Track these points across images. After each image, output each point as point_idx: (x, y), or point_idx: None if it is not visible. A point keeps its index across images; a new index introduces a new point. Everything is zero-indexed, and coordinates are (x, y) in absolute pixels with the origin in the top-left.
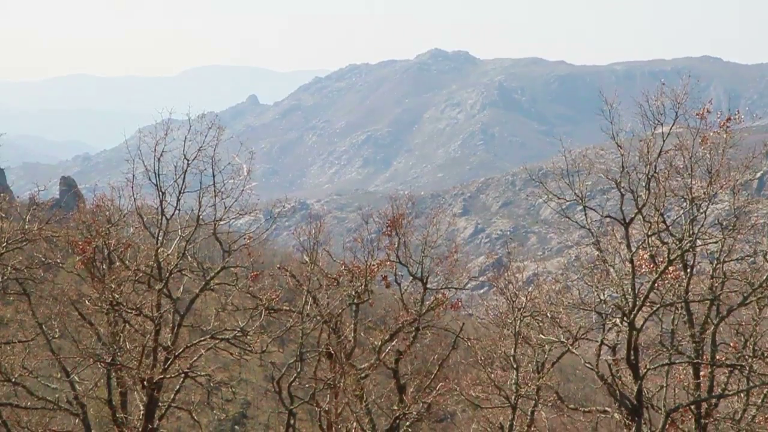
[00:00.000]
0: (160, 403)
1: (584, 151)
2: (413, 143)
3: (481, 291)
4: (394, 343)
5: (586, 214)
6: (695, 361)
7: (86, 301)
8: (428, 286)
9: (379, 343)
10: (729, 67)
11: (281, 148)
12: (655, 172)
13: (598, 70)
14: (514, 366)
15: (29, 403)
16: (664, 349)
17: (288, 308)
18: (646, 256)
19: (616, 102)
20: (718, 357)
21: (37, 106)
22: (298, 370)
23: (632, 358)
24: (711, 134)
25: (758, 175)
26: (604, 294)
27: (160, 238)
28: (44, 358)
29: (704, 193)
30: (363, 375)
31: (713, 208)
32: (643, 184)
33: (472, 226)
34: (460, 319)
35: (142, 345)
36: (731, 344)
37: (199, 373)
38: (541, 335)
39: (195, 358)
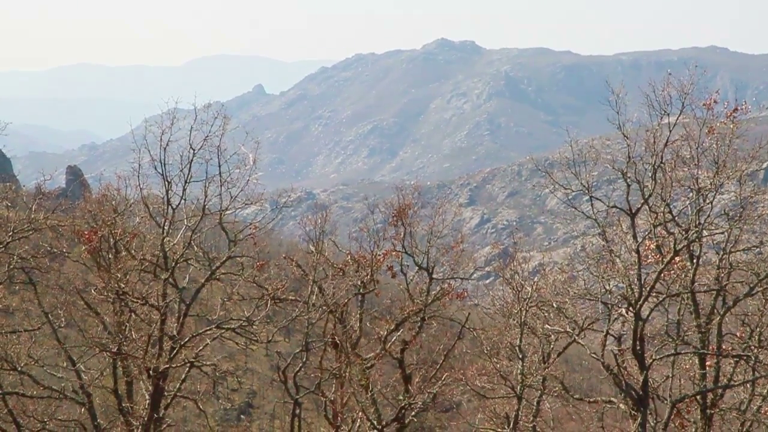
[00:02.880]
0: (165, 393)
1: (590, 142)
2: (419, 133)
3: (487, 281)
4: (399, 333)
5: (592, 205)
6: (701, 351)
7: (92, 291)
8: (434, 276)
9: (385, 333)
10: (736, 57)
11: (287, 137)
12: (661, 162)
13: (605, 60)
14: (520, 356)
15: (35, 392)
16: (670, 340)
17: (294, 298)
18: (652, 246)
19: (623, 92)
20: (724, 347)
21: (44, 95)
22: (304, 359)
23: (638, 348)
24: (717, 125)
25: (765, 165)
26: (609, 284)
27: (166, 228)
28: (50, 347)
29: (711, 184)
30: (369, 365)
31: (719, 198)
32: (650, 175)
33: (478, 216)
34: (465, 309)
35: (147, 334)
36: (737, 335)
37: (204, 362)
38: (546, 325)
39: (201, 348)
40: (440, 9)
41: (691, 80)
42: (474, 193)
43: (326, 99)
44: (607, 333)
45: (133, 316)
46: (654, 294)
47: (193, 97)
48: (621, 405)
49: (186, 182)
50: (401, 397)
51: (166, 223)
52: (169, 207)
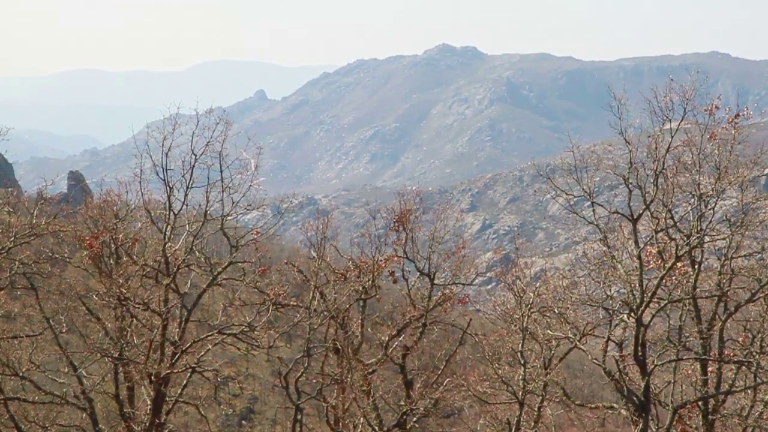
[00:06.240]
0: (167, 398)
1: (592, 147)
2: (421, 139)
3: (489, 287)
4: (401, 338)
5: (593, 210)
6: (703, 357)
7: (94, 296)
8: (435, 281)
9: (387, 338)
10: (737, 63)
11: (289, 143)
12: (663, 168)
13: (606, 66)
14: (522, 362)
15: (37, 398)
16: (672, 345)
17: (295, 303)
18: (653, 252)
19: (624, 98)
20: (725, 353)
21: (46, 100)
22: (306, 365)
23: (640, 354)
24: (719, 130)
25: (766, 171)
26: (611, 290)
27: (167, 233)
28: (52, 353)
29: (712, 190)
30: (370, 370)
31: (721, 204)
32: (651, 180)
33: (480, 221)
34: (467, 314)
35: (149, 340)
36: (739, 341)
37: (206, 368)
38: (548, 331)
39: (202, 353)
40: (442, 15)
41: (692, 86)
42: (475, 198)
43: (328, 104)
44: (609, 339)
45: (135, 321)
46: (655, 300)
47: (195, 102)
48: (622, 411)
49: (188, 188)
50: (403, 403)
51: (168, 229)
52: (171, 212)
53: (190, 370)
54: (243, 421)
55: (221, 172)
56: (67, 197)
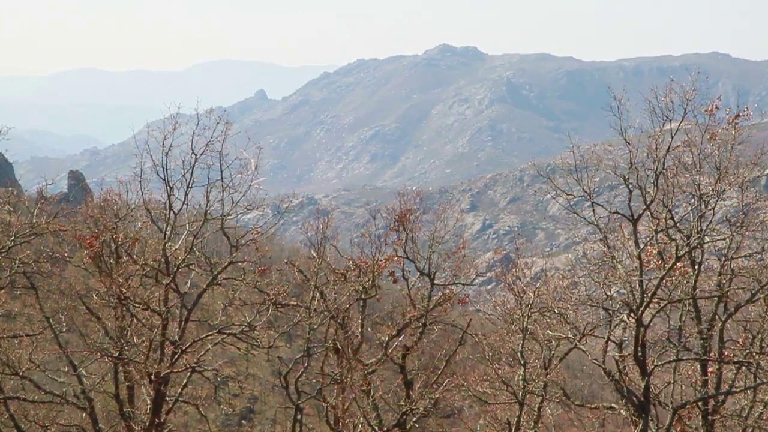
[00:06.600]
0: (167, 398)
1: (592, 147)
2: (421, 139)
3: (489, 287)
4: (401, 338)
5: (594, 210)
6: (703, 357)
7: (94, 296)
8: (436, 281)
9: (387, 338)
10: (738, 64)
11: (289, 143)
12: (663, 168)
13: (607, 66)
14: (522, 362)
15: (36, 397)
16: (672, 346)
17: (295, 303)
18: (653, 252)
19: (625, 98)
20: (725, 354)
21: (46, 100)
22: (305, 365)
23: (639, 354)
24: (719, 131)
25: (766, 171)
26: (611, 290)
27: (167, 233)
28: (52, 352)
29: (712, 190)
30: (370, 370)
31: (721, 204)
32: (652, 181)
33: (480, 221)
34: (467, 314)
35: (149, 339)
36: (739, 341)
37: (206, 367)
38: (548, 331)
39: (202, 353)
40: (442, 15)
41: (693, 86)
42: (476, 198)
43: (328, 104)
44: (609, 339)
45: (135, 321)
46: (655, 300)
47: (195, 101)
48: (622, 411)
49: (188, 187)
50: (403, 403)
51: (168, 228)
52: (171, 212)
53: (190, 369)
54: (243, 421)
55: (221, 171)
56: (67, 197)
